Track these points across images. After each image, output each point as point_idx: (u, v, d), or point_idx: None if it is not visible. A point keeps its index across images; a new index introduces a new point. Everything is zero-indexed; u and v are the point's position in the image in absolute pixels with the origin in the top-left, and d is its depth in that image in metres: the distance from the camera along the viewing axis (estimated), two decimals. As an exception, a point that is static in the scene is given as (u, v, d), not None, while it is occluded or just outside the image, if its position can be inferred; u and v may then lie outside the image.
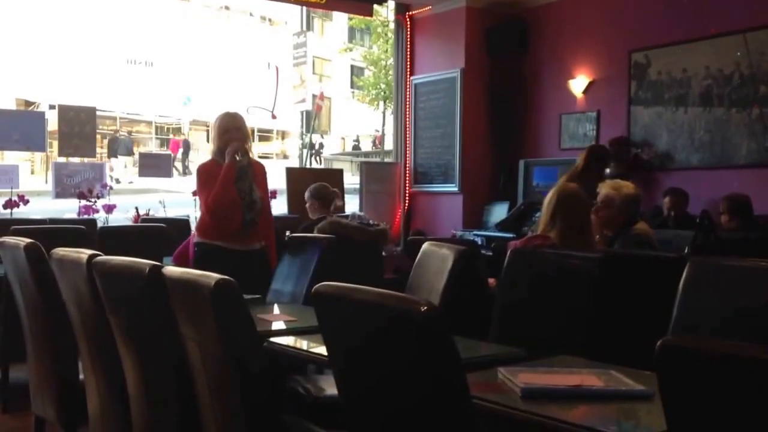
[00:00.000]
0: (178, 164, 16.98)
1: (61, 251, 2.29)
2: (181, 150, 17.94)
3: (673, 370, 0.98)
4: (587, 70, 5.94)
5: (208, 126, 22.04)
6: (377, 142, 20.51)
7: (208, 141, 21.28)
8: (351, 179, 9.12)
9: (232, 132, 3.36)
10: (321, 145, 21.37)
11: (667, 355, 0.98)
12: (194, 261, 3.33)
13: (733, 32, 5.03)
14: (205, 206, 3.32)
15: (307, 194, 4.52)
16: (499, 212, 6.06)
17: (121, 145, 17.33)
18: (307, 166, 12.47)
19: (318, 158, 19.62)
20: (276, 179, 6.99)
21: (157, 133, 21.14)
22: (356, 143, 22.22)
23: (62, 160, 5.89)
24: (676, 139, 5.39)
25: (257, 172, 3.43)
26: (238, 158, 3.28)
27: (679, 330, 1.91)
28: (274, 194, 6.24)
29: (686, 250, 3.26)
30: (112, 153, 16.56)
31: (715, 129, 5.18)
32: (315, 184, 4.58)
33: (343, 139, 23.41)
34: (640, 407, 1.49)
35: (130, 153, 16.82)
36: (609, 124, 5.78)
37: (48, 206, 6.04)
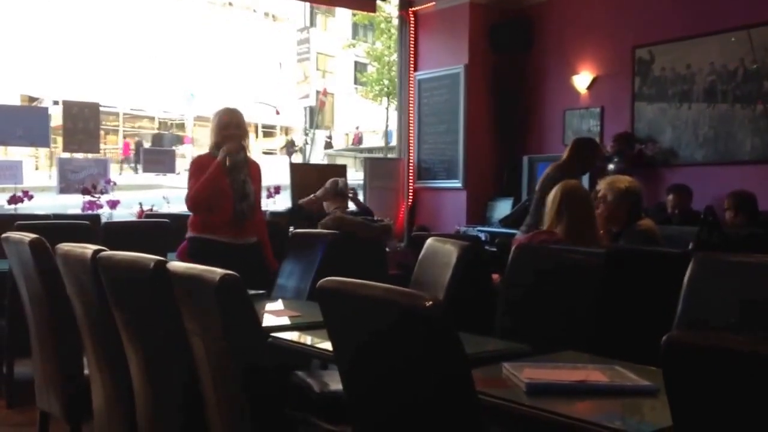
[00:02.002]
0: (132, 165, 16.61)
1: (65, 246, 2.29)
2: (132, 152, 17.83)
3: (678, 366, 0.98)
4: (591, 66, 5.93)
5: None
6: (355, 140, 20.34)
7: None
8: (354, 175, 9.12)
9: (231, 128, 3.35)
10: (305, 142, 21.37)
11: (673, 351, 0.97)
12: (188, 256, 3.27)
13: (737, 28, 5.01)
14: (188, 198, 3.31)
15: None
16: (503, 208, 6.06)
17: (166, 140, 18.31)
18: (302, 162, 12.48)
19: (291, 157, 19.85)
20: (280, 175, 7.01)
21: (160, 129, 21.15)
22: (329, 140, 21.94)
23: (66, 155, 5.90)
24: (680, 135, 5.38)
25: (253, 170, 3.43)
26: (227, 161, 3.28)
27: (683, 325, 1.91)
28: (277, 190, 6.26)
29: (690, 246, 3.25)
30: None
31: (719, 125, 5.16)
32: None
33: (347, 134, 23.37)
34: (645, 403, 1.49)
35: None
36: (613, 120, 5.77)
37: (52, 202, 6.05)
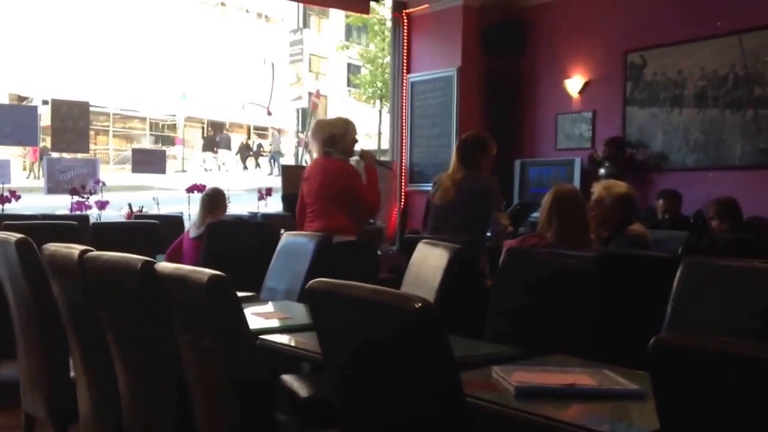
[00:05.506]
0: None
1: (52, 246, 2.27)
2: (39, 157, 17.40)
3: (665, 368, 0.98)
4: (583, 71, 5.95)
5: (203, 123, 21.98)
6: (299, 144, 20.23)
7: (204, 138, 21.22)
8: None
9: None
10: (260, 146, 21.39)
11: (661, 353, 0.97)
12: (348, 259, 3.51)
13: (728, 33, 5.04)
14: (376, 202, 3.78)
15: None
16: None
17: (223, 141, 19.76)
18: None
19: (257, 160, 20.01)
20: (274, 178, 6.96)
21: (151, 130, 21.06)
22: (278, 151, 21.77)
23: (55, 155, 5.85)
24: (670, 140, 5.40)
25: None
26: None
27: (672, 329, 1.91)
28: (269, 192, 6.24)
29: (680, 251, 3.26)
30: (208, 147, 19.05)
31: (709, 130, 5.19)
32: None
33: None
34: (633, 407, 1.49)
35: (229, 147, 19.87)
36: (604, 124, 5.79)
37: (40, 202, 6.00)
